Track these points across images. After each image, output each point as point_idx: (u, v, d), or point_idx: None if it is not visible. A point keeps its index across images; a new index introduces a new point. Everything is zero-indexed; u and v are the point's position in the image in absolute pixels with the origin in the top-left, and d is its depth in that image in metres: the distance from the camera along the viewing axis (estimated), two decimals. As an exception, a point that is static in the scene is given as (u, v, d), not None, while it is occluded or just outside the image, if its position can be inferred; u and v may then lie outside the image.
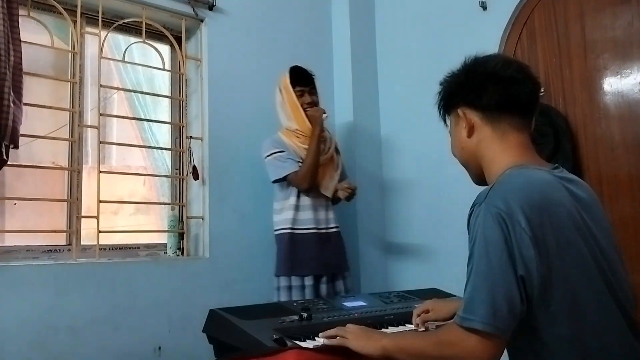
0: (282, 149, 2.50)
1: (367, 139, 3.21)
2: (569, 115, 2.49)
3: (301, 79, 2.54)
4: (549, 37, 2.60)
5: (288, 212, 2.49)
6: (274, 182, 2.50)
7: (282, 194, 2.53)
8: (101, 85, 2.52)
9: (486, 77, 1.25)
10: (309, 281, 2.43)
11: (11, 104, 1.99)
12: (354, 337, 1.30)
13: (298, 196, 2.50)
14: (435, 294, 2.01)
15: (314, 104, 2.55)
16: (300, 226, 2.49)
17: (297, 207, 2.50)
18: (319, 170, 2.50)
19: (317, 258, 2.47)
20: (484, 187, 1.21)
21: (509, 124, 1.24)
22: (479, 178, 1.33)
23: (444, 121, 1.38)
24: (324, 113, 2.47)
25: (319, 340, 1.37)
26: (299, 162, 2.49)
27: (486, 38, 2.74)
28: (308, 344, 1.36)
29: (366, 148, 3.20)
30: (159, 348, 2.40)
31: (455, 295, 1.96)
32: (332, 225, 2.58)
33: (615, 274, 1.15)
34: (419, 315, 1.61)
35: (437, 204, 2.95)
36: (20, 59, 2.09)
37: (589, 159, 2.43)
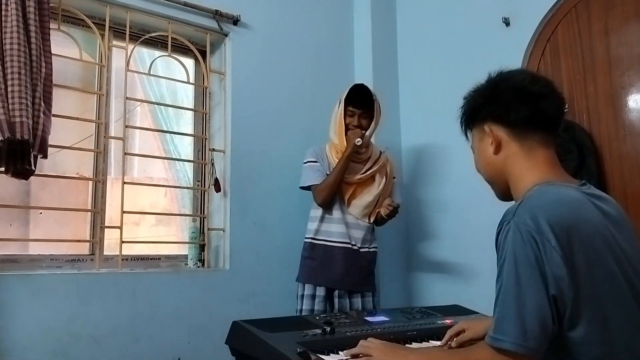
0: (316, 160, 2.58)
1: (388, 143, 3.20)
2: (593, 132, 2.46)
3: (358, 100, 2.56)
4: (573, 53, 2.58)
5: (313, 223, 2.56)
6: (300, 188, 2.59)
7: (314, 204, 2.59)
8: (127, 98, 2.55)
9: (514, 92, 1.24)
10: (320, 292, 2.46)
11: (41, 114, 2.03)
12: (379, 353, 1.27)
13: (326, 208, 2.54)
14: (456, 310, 1.99)
15: (362, 127, 2.56)
16: (322, 237, 2.53)
17: (322, 219, 2.54)
18: (347, 188, 2.54)
19: (331, 270, 2.48)
20: (510, 204, 1.20)
21: (536, 140, 1.23)
22: (505, 194, 1.31)
23: (466, 136, 1.37)
24: (360, 137, 2.46)
25: (342, 355, 1.36)
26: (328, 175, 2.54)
27: (509, 54, 2.73)
28: (332, 358, 1.35)
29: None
30: (179, 359, 2.40)
31: (477, 312, 1.95)
32: (361, 245, 2.56)
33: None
34: (452, 336, 1.55)
35: (458, 219, 2.92)
36: (51, 70, 2.13)
37: (614, 176, 2.40)
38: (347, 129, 2.56)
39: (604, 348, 1.05)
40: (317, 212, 2.56)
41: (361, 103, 2.57)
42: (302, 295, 2.49)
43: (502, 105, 1.25)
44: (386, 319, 1.77)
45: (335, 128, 2.59)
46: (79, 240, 2.47)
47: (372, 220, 2.59)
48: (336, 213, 2.54)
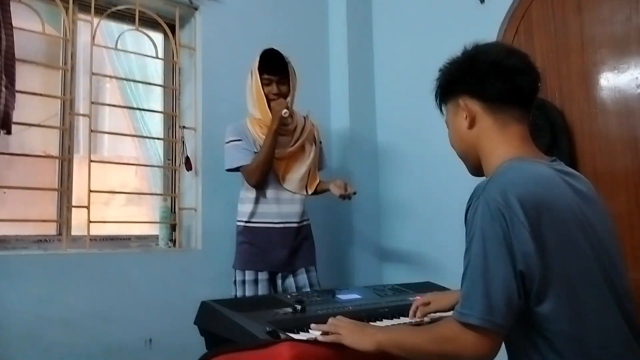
0: (240, 138, 2.36)
1: (363, 144, 3.19)
2: (565, 110, 2.47)
3: (271, 66, 2.35)
4: (546, 31, 2.58)
5: (246, 205, 2.39)
6: (227, 170, 2.39)
7: (245, 185, 2.41)
8: (93, 73, 2.48)
9: (490, 66, 1.22)
10: (263, 276, 2.33)
11: (2, 88, 1.96)
12: (347, 332, 1.27)
13: (259, 188, 2.38)
14: (429, 287, 2.00)
15: (282, 95, 2.35)
16: (258, 219, 2.37)
17: (256, 200, 2.38)
18: (278, 164, 2.38)
19: (273, 253, 2.35)
20: (481, 179, 1.19)
21: (511, 115, 1.23)
22: (477, 170, 1.31)
23: (441, 110, 1.35)
24: (286, 108, 2.26)
25: (313, 333, 1.35)
26: (255, 153, 2.35)
27: (483, 32, 2.69)
28: (302, 336, 1.34)
29: (362, 153, 3.18)
30: (150, 340, 2.38)
31: (449, 289, 1.96)
32: (299, 220, 2.42)
33: (616, 271, 1.13)
34: (418, 307, 1.60)
35: (430, 202, 2.93)
36: (12, 42, 2.05)
37: (585, 154, 2.42)
38: (267, 99, 2.34)
39: (571, 324, 1.06)
40: (249, 193, 2.39)
41: (275, 69, 2.35)
42: (243, 281, 2.33)
43: (477, 79, 1.23)
44: (358, 296, 1.77)
45: (254, 101, 2.38)
46: (45, 220, 2.40)
47: (310, 193, 2.46)
48: (270, 192, 2.38)
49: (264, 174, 2.32)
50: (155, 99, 2.89)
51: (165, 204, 2.68)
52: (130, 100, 2.84)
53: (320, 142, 2.57)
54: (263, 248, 2.35)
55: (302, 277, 2.38)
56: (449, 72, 1.30)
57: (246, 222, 2.38)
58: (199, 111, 2.72)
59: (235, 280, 2.36)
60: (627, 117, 2.31)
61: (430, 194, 2.93)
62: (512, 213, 1.05)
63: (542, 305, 1.06)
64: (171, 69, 2.80)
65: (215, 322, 1.47)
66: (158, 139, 2.80)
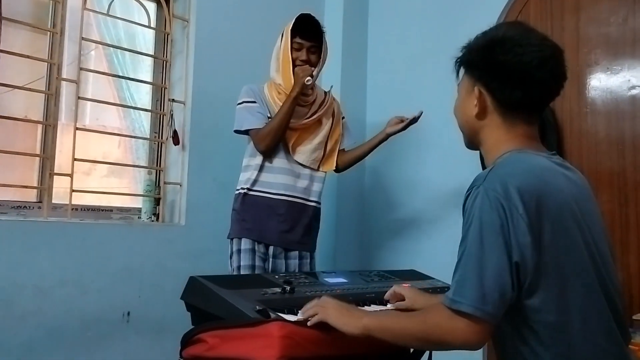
0: (254, 100, 2.26)
1: (352, 126, 3.15)
2: (556, 108, 2.49)
3: (305, 31, 2.24)
4: (543, 28, 2.57)
5: (249, 172, 2.28)
6: (235, 132, 2.29)
7: (250, 151, 2.31)
8: (82, 38, 2.40)
9: (518, 72, 1.16)
10: (260, 248, 2.24)
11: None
12: (334, 313, 1.26)
13: (267, 156, 2.27)
14: (413, 275, 2.01)
15: (311, 63, 2.24)
16: (259, 188, 2.26)
17: (261, 168, 2.26)
18: (291, 134, 2.27)
19: (270, 225, 2.24)
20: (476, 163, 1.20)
21: (521, 118, 1.21)
22: (471, 145, 1.32)
23: (457, 74, 1.31)
24: (310, 76, 2.15)
25: (300, 315, 1.35)
26: (269, 118, 2.25)
27: (479, 28, 2.71)
28: (291, 317, 1.33)
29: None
30: (128, 313, 2.35)
31: (433, 278, 1.97)
32: (306, 197, 2.32)
33: (606, 266, 1.15)
34: (393, 297, 1.57)
35: (417, 189, 2.94)
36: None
37: (572, 153, 2.45)
38: (294, 65, 2.23)
39: (559, 316, 1.07)
40: (255, 160, 2.27)
41: (309, 35, 2.24)
42: (239, 250, 2.23)
43: (500, 80, 1.19)
44: (345, 280, 1.77)
45: (279, 65, 2.27)
46: (25, 187, 2.34)
47: (323, 169, 2.37)
48: (278, 162, 2.26)
49: (275, 141, 2.21)
50: (143, 69, 2.82)
51: (150, 177, 2.63)
52: (116, 70, 2.77)
53: (344, 118, 2.50)
54: (259, 218, 2.24)
55: (294, 262, 2.29)
56: (475, 54, 1.23)
57: (248, 189, 2.27)
58: (189, 85, 2.66)
59: (231, 252, 2.26)
60: (616, 119, 2.35)
61: (416, 181, 2.93)
62: (511, 204, 1.06)
63: (532, 298, 1.07)
64: (162, 39, 2.74)
65: (203, 298, 1.45)
66: (147, 110, 2.74)
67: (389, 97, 3.13)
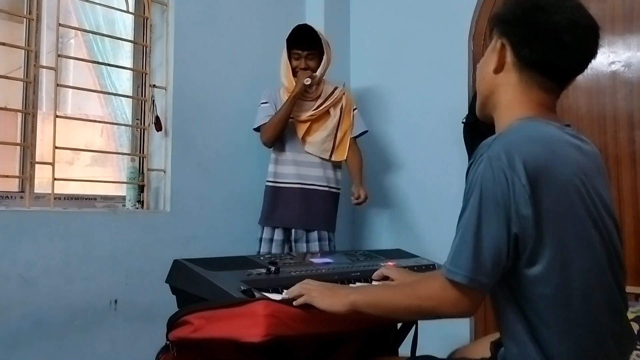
0: (268, 101, 2.56)
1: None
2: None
3: (302, 42, 2.52)
4: (523, 5, 2.58)
5: (271, 165, 2.57)
6: (254, 130, 2.57)
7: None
8: (60, 24, 2.36)
9: (543, 30, 1.12)
10: (278, 235, 2.50)
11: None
12: (319, 294, 1.24)
13: (278, 150, 2.56)
14: (399, 254, 2.02)
15: (311, 69, 2.52)
16: (278, 179, 2.55)
17: (276, 161, 2.56)
18: (301, 127, 2.53)
19: (289, 209, 2.50)
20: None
21: (538, 82, 1.15)
22: (482, 110, 1.27)
23: (490, 32, 1.26)
24: (310, 77, 2.46)
25: (285, 295, 1.35)
26: None
27: (461, 4, 2.71)
28: (276, 296, 1.33)
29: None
30: (115, 301, 2.34)
31: (418, 256, 1.99)
32: (323, 184, 2.56)
33: (612, 241, 1.12)
34: (380, 277, 1.58)
35: (402, 175, 2.94)
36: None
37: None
38: (294, 72, 2.53)
39: (558, 290, 1.05)
40: (273, 154, 2.58)
41: (306, 44, 2.52)
42: (261, 239, 2.53)
43: (523, 35, 1.14)
44: (330, 260, 1.77)
45: (284, 71, 2.56)
46: (7, 176, 2.31)
47: (335, 158, 2.57)
48: (289, 154, 2.55)
49: (275, 134, 2.49)
50: (123, 55, 2.78)
51: (133, 164, 2.61)
52: (96, 56, 2.73)
53: (355, 109, 2.69)
54: (276, 205, 2.52)
55: (315, 244, 2.49)
56: (508, 9, 1.19)
57: (269, 181, 2.56)
58: (170, 70, 2.63)
59: (258, 237, 2.55)
60: (597, 95, 2.36)
61: (403, 168, 2.94)
62: (514, 175, 1.02)
63: (533, 268, 1.04)
64: (142, 24, 2.70)
65: (188, 281, 1.44)
66: (127, 96, 2.71)
67: (372, 82, 3.12)
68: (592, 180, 1.10)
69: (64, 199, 2.42)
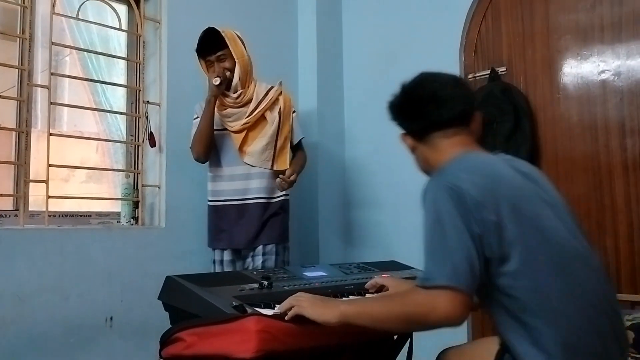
0: (198, 116, 2.36)
1: (330, 125, 3.17)
2: (529, 95, 2.52)
3: (209, 46, 2.31)
4: (514, 16, 2.61)
5: (209, 184, 2.42)
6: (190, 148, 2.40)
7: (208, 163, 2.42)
8: (53, 43, 2.38)
9: (413, 105, 1.39)
10: (227, 256, 2.35)
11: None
12: (309, 305, 1.26)
13: (214, 166, 2.39)
14: (393, 265, 2.02)
15: (227, 69, 2.31)
16: (216, 197, 2.39)
17: (213, 178, 2.40)
18: (237, 138, 2.32)
19: (234, 231, 2.32)
20: None
21: (440, 136, 1.35)
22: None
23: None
24: (218, 76, 2.25)
25: (278, 309, 1.35)
26: None
27: (452, 16, 2.73)
28: (268, 311, 1.33)
29: (329, 133, 3.16)
30: (111, 318, 2.33)
31: (413, 268, 1.99)
32: (260, 196, 2.33)
33: (578, 236, 1.23)
34: (375, 288, 1.61)
35: (395, 183, 2.95)
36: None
37: (547, 139, 2.47)
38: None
39: (535, 280, 1.13)
40: (209, 171, 2.41)
41: (213, 48, 2.30)
42: (214, 261, 2.39)
43: (403, 119, 1.42)
44: (324, 273, 1.77)
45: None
46: (1, 195, 2.31)
47: (277, 167, 2.35)
48: (225, 169, 2.36)
49: (203, 148, 2.31)
50: (117, 73, 2.80)
51: (128, 180, 2.62)
52: (91, 74, 2.75)
53: (294, 112, 2.49)
54: (223, 226, 2.36)
55: (258, 259, 2.31)
56: (390, 110, 1.45)
57: (209, 200, 2.42)
58: (163, 86, 2.65)
59: (212, 259, 2.42)
60: (588, 103, 2.37)
61: (395, 176, 2.94)
62: (462, 189, 1.14)
63: (507, 265, 1.12)
64: (135, 41, 2.72)
65: (180, 297, 1.45)
66: (121, 113, 2.72)
67: (364, 96, 3.13)
68: (537, 185, 1.25)
69: (59, 216, 2.43)
